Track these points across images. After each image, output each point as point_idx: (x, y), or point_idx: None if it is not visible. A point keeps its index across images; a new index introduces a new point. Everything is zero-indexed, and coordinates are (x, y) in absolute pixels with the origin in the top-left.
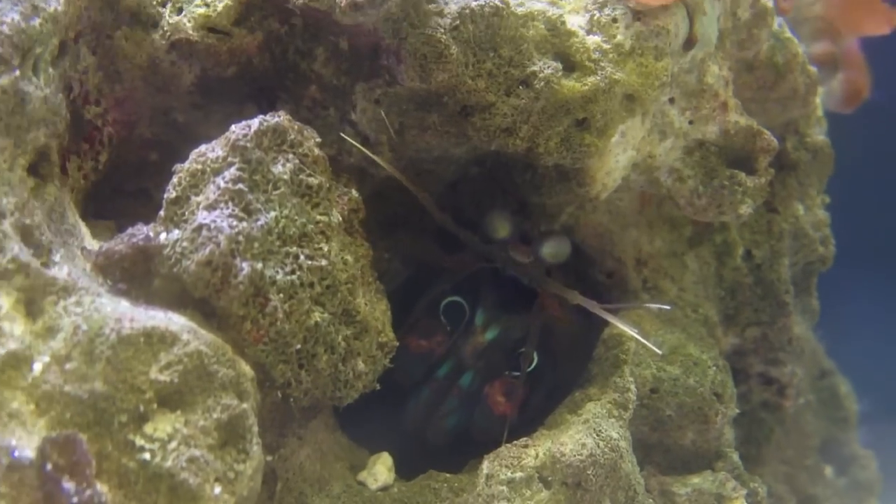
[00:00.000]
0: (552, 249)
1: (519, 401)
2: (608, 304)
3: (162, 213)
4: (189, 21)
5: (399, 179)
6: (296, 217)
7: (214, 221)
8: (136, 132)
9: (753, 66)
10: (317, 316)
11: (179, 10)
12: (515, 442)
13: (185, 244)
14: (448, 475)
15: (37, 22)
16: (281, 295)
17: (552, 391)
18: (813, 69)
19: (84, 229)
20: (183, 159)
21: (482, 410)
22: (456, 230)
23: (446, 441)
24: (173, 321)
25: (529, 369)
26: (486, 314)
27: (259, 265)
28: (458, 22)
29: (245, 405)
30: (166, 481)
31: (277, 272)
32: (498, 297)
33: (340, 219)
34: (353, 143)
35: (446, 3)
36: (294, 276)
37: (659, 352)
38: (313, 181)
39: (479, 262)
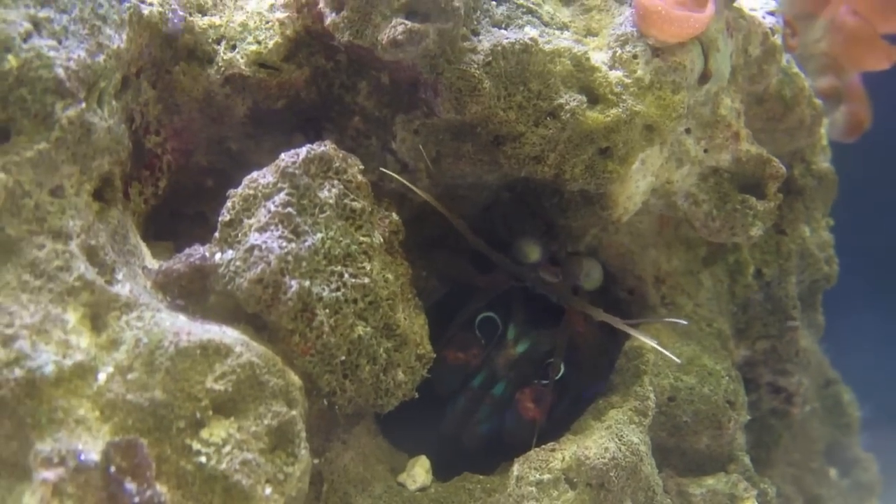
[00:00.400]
0: (590, 277)
1: (547, 407)
2: (629, 318)
3: (217, 234)
4: (242, 57)
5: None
6: (340, 238)
7: (265, 242)
8: (193, 160)
9: (763, 98)
10: (360, 330)
11: (233, 47)
12: (543, 446)
13: (238, 263)
14: (481, 476)
15: (101, 58)
16: (327, 310)
17: (577, 399)
18: (818, 102)
19: (145, 250)
20: (236, 185)
21: (513, 416)
22: (489, 253)
23: (480, 445)
24: (227, 334)
25: (556, 378)
26: (517, 329)
27: (307, 283)
28: (490, 58)
29: (294, 412)
30: (221, 482)
31: (324, 289)
32: (528, 313)
33: (382, 240)
34: (393, 174)
35: (479, 41)
36: (339, 293)
37: (678, 360)
38: (357, 205)
39: (511, 282)
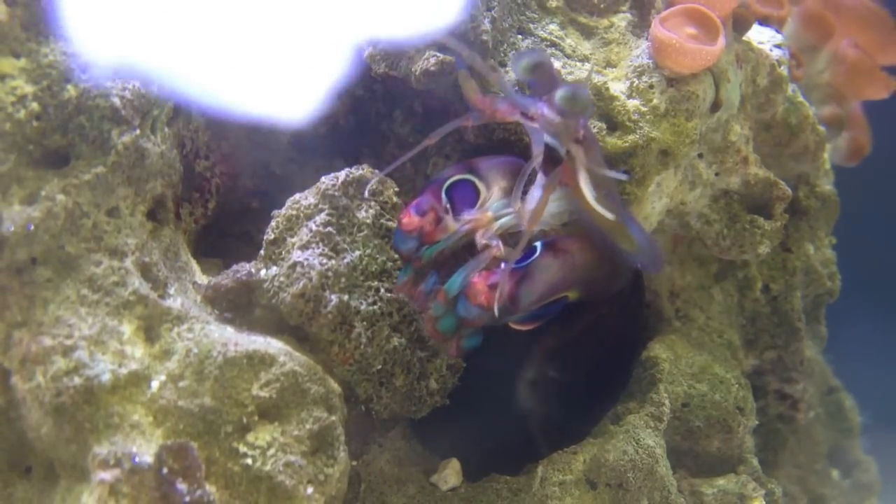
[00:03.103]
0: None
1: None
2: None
3: (262, 252)
4: None
5: None
6: (377, 255)
7: (307, 259)
8: (240, 183)
9: (770, 125)
10: (395, 341)
11: None
12: (566, 449)
13: (282, 279)
14: (508, 478)
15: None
16: (364, 323)
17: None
18: (822, 129)
19: (195, 266)
20: (280, 206)
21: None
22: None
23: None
24: (272, 345)
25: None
26: None
27: (345, 297)
28: (516, 88)
29: (334, 417)
30: (266, 483)
31: (361, 303)
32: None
33: None
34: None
35: (506, 72)
36: (375, 307)
37: None
38: (392, 225)
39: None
